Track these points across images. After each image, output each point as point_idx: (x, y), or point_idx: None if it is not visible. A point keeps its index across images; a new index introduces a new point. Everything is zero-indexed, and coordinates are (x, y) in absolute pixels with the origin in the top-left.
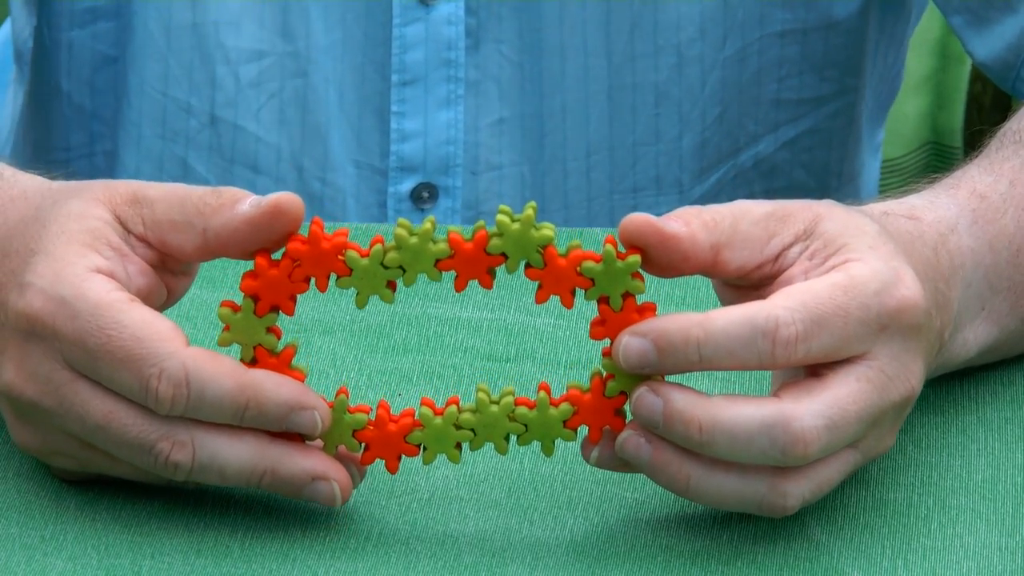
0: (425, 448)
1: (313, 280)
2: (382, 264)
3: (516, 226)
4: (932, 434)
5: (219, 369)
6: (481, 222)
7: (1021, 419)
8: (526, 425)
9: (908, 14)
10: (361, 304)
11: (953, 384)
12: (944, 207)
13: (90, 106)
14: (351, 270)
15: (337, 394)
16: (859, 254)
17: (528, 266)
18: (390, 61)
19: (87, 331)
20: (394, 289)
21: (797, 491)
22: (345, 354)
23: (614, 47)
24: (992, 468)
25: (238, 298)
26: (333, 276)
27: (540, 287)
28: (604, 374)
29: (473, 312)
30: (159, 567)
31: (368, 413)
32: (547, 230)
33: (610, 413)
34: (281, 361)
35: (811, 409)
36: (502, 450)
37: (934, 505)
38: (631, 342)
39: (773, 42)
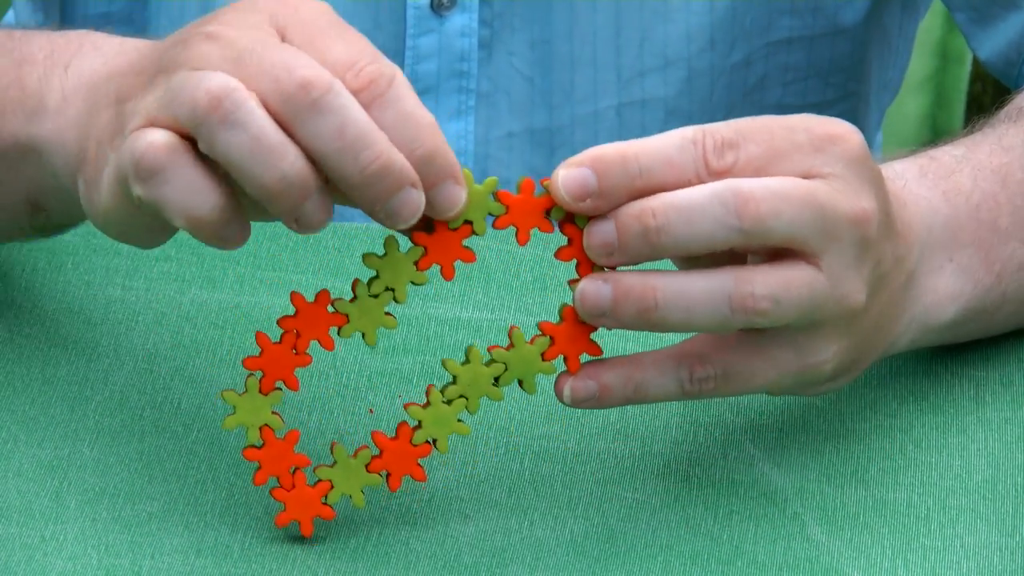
0: (435, 440)
1: (317, 343)
2: (371, 295)
3: (477, 188)
4: (932, 434)
5: (419, 102)
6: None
7: (1021, 419)
8: (506, 365)
9: (920, 10)
10: (372, 342)
11: (953, 384)
12: (892, 162)
13: None
14: (346, 316)
15: (332, 446)
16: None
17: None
18: (403, 72)
19: (326, 14)
20: (393, 316)
21: (763, 281)
22: (345, 355)
23: (624, 61)
24: (992, 468)
25: (238, 298)
26: (334, 330)
27: (518, 232)
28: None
29: (473, 312)
30: (159, 567)
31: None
32: (489, 180)
33: (585, 339)
34: (287, 443)
35: (760, 180)
36: (496, 396)
37: (934, 505)
38: (568, 172)
39: (779, 49)
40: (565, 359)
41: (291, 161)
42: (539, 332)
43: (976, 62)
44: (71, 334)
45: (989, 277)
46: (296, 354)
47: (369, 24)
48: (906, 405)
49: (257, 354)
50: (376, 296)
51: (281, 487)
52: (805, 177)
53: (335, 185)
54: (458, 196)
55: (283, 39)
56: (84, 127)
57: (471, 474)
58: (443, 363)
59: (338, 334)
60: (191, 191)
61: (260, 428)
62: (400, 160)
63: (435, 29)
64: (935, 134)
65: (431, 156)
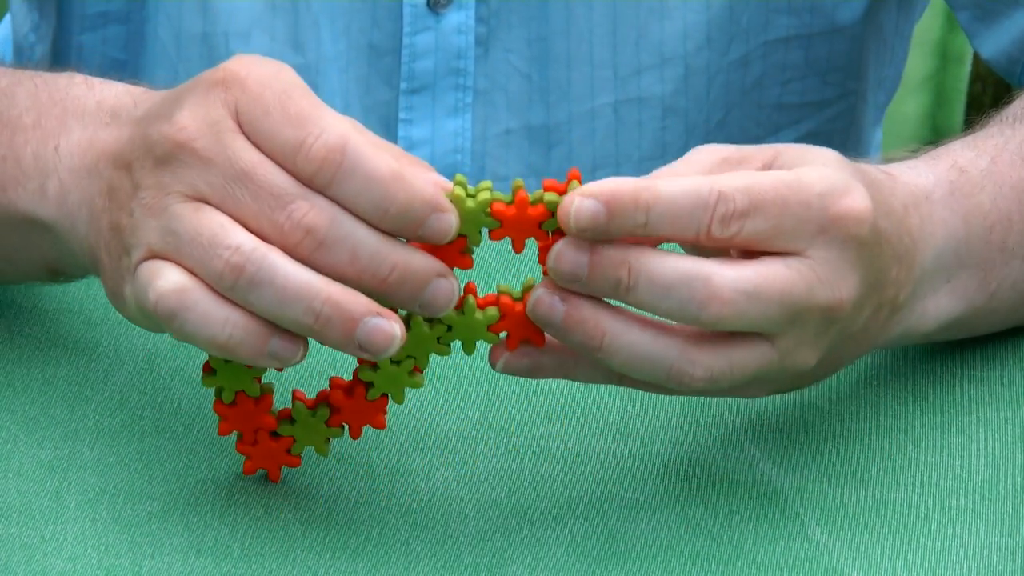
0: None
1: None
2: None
3: (471, 205)
4: (932, 434)
5: (378, 151)
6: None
7: (1021, 419)
8: (450, 326)
9: (916, 9)
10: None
11: (953, 384)
12: (922, 174)
13: None
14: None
15: (291, 406)
16: (813, 165)
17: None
18: (398, 70)
19: (272, 87)
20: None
21: (706, 363)
22: (345, 355)
23: (620, 59)
24: (992, 468)
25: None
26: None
27: (513, 242)
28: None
29: None
30: (159, 567)
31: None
32: (482, 198)
33: (534, 326)
34: (260, 407)
35: (735, 273)
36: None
37: (934, 505)
38: (584, 203)
39: (777, 47)
40: (507, 336)
41: (324, 297)
42: (494, 302)
43: (976, 62)
44: (71, 334)
45: (982, 297)
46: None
47: (366, 22)
48: (906, 405)
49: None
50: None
51: (244, 442)
52: (797, 254)
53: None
54: (448, 222)
55: (239, 126)
56: (87, 223)
57: (471, 474)
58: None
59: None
60: (212, 324)
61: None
62: (418, 260)
63: (432, 27)
64: (935, 134)
65: (407, 207)
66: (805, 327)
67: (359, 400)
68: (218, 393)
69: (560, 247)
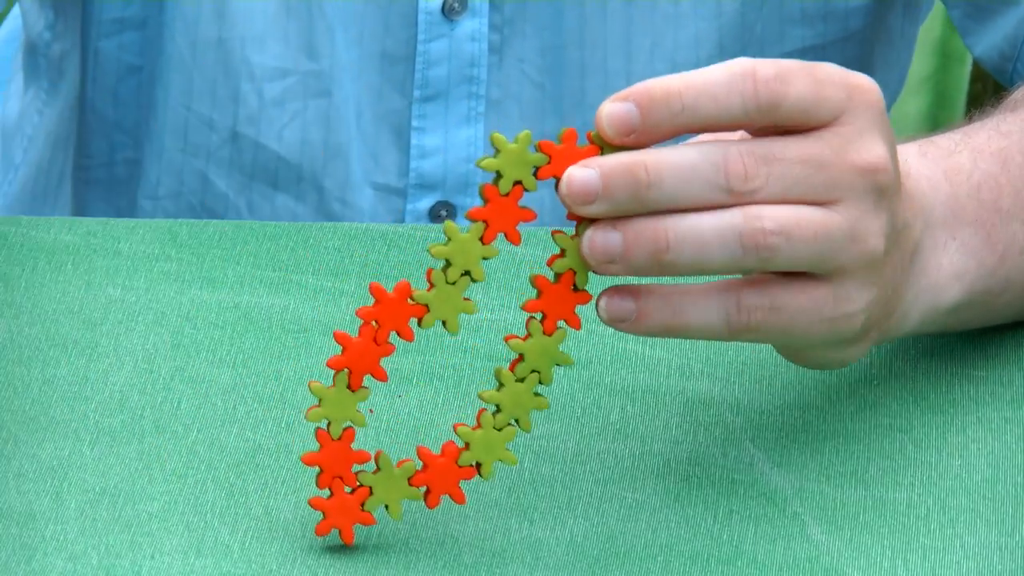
0: (480, 464)
1: (395, 335)
2: (448, 283)
3: (500, 155)
4: (932, 434)
5: None
6: (480, 183)
7: (1021, 419)
8: (536, 370)
9: (922, 10)
10: (453, 329)
11: (953, 384)
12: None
13: (112, 115)
14: (426, 306)
15: (377, 455)
16: None
17: (537, 170)
18: (412, 78)
19: None
20: (472, 303)
21: (772, 214)
22: None
23: (634, 68)
24: (992, 468)
25: (238, 298)
26: (413, 321)
27: (559, 180)
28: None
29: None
30: (159, 567)
31: (412, 462)
32: (522, 134)
33: (570, 294)
34: (343, 443)
35: (747, 141)
36: (543, 405)
37: (934, 505)
38: (614, 106)
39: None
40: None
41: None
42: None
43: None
44: (71, 334)
45: (992, 257)
46: (378, 345)
47: (380, 29)
48: (906, 405)
49: (339, 353)
50: (454, 283)
51: (319, 497)
52: (836, 125)
53: None
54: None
55: None
56: None
57: None
58: (480, 396)
59: (419, 325)
60: None
61: (331, 424)
62: None
63: (446, 34)
64: None
65: None
66: (855, 192)
67: (449, 462)
68: (331, 433)
69: (567, 172)
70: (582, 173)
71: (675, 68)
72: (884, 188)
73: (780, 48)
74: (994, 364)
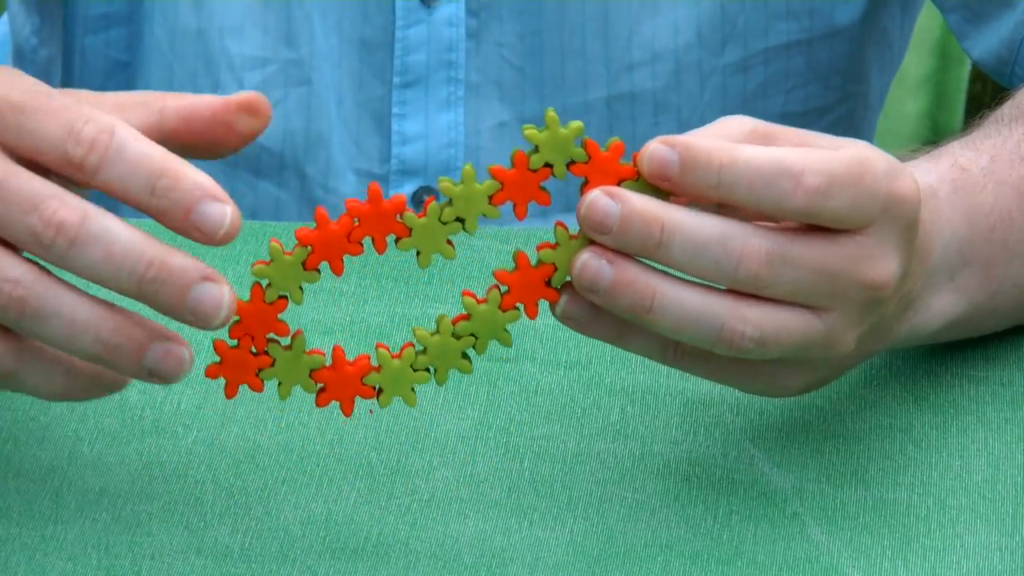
0: (381, 390)
1: (370, 240)
2: (440, 220)
3: (546, 132)
4: (932, 434)
5: (147, 140)
6: (516, 148)
7: (1021, 419)
8: (474, 334)
9: (917, 8)
10: (424, 264)
11: (953, 384)
12: (925, 172)
13: None
14: (410, 230)
15: (296, 334)
16: (864, 144)
17: (572, 163)
18: (391, 64)
19: (21, 86)
20: (453, 246)
21: (757, 320)
22: (346, 345)
23: (612, 54)
24: (992, 468)
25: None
26: (391, 238)
27: (586, 183)
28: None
29: None
30: (159, 567)
31: (323, 356)
32: (575, 124)
33: (541, 285)
34: (273, 308)
35: (768, 233)
36: (466, 368)
37: (934, 505)
38: (659, 148)
39: (779, 54)
40: (524, 307)
41: (110, 327)
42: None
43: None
44: None
45: (984, 296)
46: (349, 242)
47: (358, 17)
48: (906, 405)
49: (312, 228)
50: (445, 224)
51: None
52: (860, 234)
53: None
54: (221, 211)
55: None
56: None
57: (471, 474)
58: (413, 331)
59: (395, 244)
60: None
61: (280, 294)
62: (179, 259)
63: (423, 20)
64: (935, 134)
65: (175, 182)
66: (850, 304)
67: (357, 373)
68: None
69: (594, 195)
70: (605, 204)
71: (653, 56)
72: (879, 301)
73: (764, 41)
74: (994, 364)
